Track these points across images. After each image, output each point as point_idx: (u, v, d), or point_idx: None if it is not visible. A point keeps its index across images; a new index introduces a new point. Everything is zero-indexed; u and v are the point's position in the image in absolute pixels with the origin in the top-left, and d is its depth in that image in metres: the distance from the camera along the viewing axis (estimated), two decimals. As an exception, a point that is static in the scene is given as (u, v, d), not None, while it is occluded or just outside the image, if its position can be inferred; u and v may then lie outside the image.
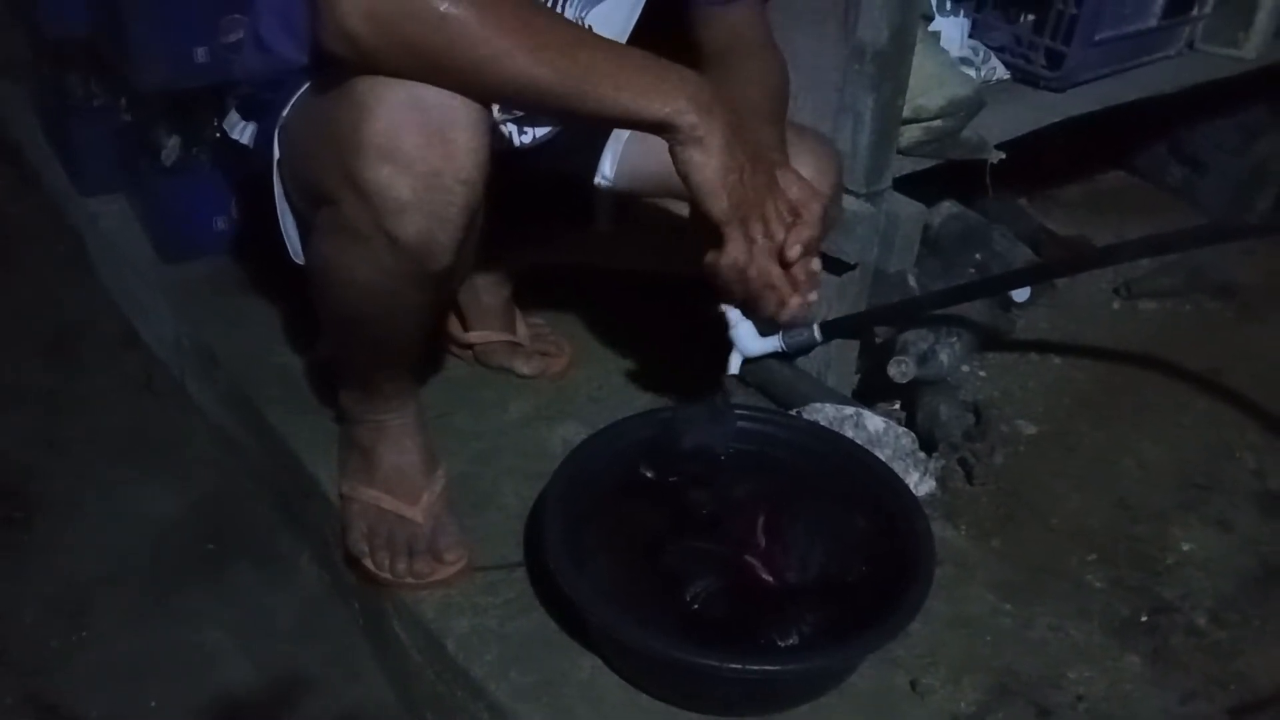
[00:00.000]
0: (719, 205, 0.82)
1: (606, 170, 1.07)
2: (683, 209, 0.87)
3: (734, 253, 0.85)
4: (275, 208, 0.98)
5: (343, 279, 0.87)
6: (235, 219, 1.45)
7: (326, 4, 0.74)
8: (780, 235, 0.86)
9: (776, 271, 0.87)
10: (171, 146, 1.42)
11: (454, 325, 1.27)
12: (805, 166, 1.07)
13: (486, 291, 1.25)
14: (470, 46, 0.74)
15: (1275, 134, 1.98)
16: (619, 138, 1.07)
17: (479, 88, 0.77)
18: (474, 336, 1.26)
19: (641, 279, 1.23)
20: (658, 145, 0.81)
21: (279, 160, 0.96)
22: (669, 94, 0.78)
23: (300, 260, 0.97)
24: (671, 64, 0.80)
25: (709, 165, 0.80)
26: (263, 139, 0.98)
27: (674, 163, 0.82)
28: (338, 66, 0.78)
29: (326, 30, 0.75)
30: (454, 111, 0.77)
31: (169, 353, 1.41)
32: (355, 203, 0.79)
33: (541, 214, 1.20)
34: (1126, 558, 1.22)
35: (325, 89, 0.82)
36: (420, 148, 0.76)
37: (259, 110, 1.00)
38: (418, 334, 0.96)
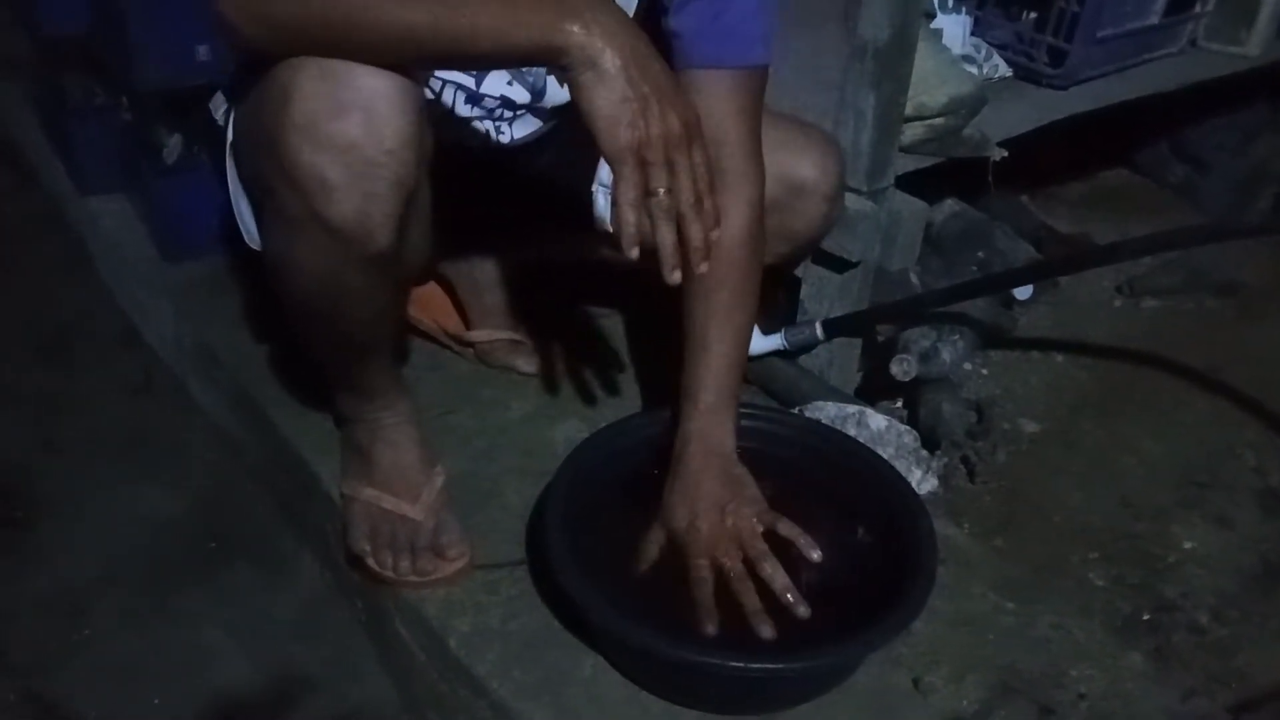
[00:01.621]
0: (611, 139, 0.74)
1: (604, 176, 1.07)
2: None
3: (623, 196, 0.75)
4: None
5: (292, 268, 0.85)
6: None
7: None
8: (688, 195, 0.76)
9: (670, 237, 0.77)
10: (173, 145, 1.42)
11: (456, 324, 1.27)
12: (808, 162, 1.07)
13: (489, 290, 1.25)
14: (331, 4, 0.71)
15: (1276, 133, 1.98)
16: None
17: (361, 46, 0.73)
18: (476, 335, 1.26)
19: (644, 278, 1.22)
20: None
21: (232, 144, 0.94)
22: (556, 15, 0.72)
23: (257, 246, 0.96)
24: None
25: (601, 91, 0.73)
26: (227, 121, 0.97)
27: (572, 98, 0.75)
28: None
29: (214, 26, 0.75)
30: (374, 84, 0.74)
31: (170, 353, 1.41)
32: (286, 189, 0.77)
33: (543, 213, 1.20)
34: (1128, 556, 1.22)
35: (261, 74, 0.80)
36: (340, 124, 0.74)
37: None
38: (379, 323, 0.93)
